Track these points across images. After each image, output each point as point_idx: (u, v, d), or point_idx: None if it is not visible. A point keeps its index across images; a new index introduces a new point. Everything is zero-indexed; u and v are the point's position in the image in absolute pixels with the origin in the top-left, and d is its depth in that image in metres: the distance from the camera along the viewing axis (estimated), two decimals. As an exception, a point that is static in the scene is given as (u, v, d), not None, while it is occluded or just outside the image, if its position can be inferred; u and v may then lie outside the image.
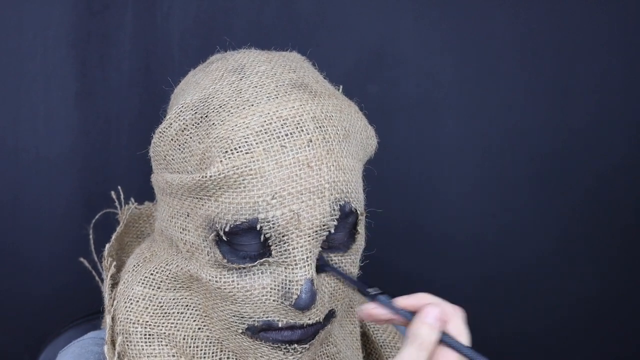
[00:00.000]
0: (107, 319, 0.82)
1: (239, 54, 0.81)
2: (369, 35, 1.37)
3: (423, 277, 1.43)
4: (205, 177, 0.72)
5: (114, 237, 0.91)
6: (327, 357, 0.83)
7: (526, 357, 1.50)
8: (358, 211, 0.75)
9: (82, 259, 0.96)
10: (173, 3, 1.30)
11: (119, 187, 0.96)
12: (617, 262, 1.48)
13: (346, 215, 0.74)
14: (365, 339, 0.93)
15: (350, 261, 0.77)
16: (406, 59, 1.38)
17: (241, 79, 0.75)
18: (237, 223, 0.72)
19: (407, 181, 1.39)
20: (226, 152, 0.71)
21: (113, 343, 0.81)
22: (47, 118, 1.29)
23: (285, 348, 0.75)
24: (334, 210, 0.72)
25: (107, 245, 0.89)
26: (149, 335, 0.79)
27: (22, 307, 1.33)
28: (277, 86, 0.74)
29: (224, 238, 0.73)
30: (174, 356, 0.79)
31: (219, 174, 0.71)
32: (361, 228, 0.77)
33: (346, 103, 0.78)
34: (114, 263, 0.88)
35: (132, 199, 0.96)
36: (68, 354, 0.87)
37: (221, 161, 0.71)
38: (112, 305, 0.83)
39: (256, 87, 0.74)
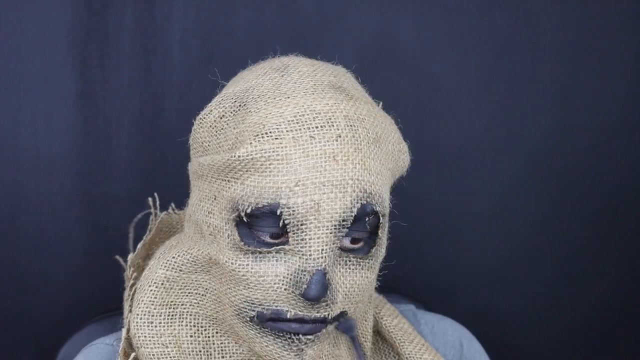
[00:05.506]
0: (123, 332, 0.84)
1: (286, 57, 0.84)
2: (369, 35, 1.37)
3: (421, 282, 1.43)
4: (234, 157, 0.74)
5: (140, 245, 0.92)
6: (333, 357, 0.84)
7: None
8: (380, 214, 0.76)
9: (118, 257, 0.97)
10: (173, 3, 1.30)
11: (155, 194, 0.97)
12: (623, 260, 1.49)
13: (366, 215, 0.75)
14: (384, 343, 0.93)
15: (368, 265, 0.78)
16: (406, 59, 1.38)
17: (282, 76, 0.78)
18: (259, 206, 0.74)
19: (406, 182, 1.39)
20: (257, 135, 0.74)
21: (126, 355, 0.83)
22: (47, 118, 1.29)
23: (289, 337, 0.76)
24: (355, 207, 0.74)
25: (130, 255, 0.90)
26: (172, 315, 0.82)
27: (20, 306, 1.33)
28: (315, 84, 0.77)
29: (245, 219, 0.75)
30: (191, 336, 0.82)
31: (247, 155, 0.74)
32: (382, 234, 0.79)
33: (382, 114, 0.81)
34: (134, 274, 0.89)
35: (173, 205, 0.97)
36: None
37: (251, 143, 0.74)
38: (127, 317, 0.85)
39: (295, 83, 0.77)
